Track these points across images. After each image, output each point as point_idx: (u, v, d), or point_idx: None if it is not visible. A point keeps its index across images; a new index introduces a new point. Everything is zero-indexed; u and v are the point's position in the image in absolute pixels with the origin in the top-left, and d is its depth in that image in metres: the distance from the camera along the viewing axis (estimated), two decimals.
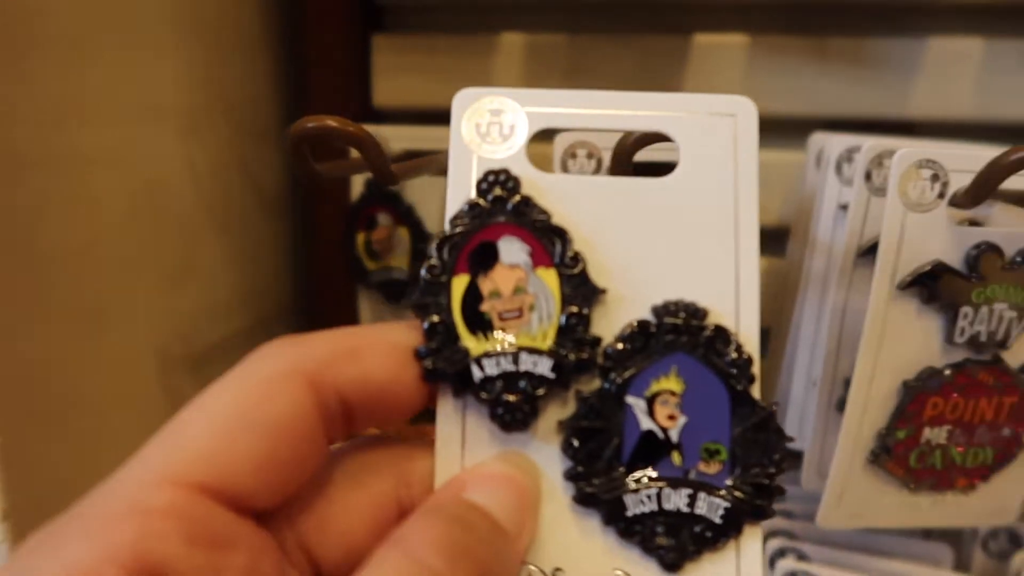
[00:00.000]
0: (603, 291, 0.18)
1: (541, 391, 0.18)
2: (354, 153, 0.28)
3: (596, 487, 0.18)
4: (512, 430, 0.18)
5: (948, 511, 0.29)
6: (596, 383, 0.18)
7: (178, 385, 0.30)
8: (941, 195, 0.25)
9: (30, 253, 0.24)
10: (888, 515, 0.29)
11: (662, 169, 0.31)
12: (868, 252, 0.30)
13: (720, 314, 0.19)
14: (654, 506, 0.18)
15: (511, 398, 0.18)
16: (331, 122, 0.25)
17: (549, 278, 0.18)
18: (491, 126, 0.19)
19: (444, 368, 0.18)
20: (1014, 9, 0.36)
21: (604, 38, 0.39)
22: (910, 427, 0.27)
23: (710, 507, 0.18)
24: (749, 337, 0.19)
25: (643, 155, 0.27)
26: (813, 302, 0.34)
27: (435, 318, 0.18)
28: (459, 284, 0.18)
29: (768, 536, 0.35)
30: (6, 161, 0.23)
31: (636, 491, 0.18)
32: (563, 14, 0.40)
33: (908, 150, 0.25)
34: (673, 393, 0.18)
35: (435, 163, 0.30)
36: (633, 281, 0.19)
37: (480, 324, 0.18)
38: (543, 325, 0.18)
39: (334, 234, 0.38)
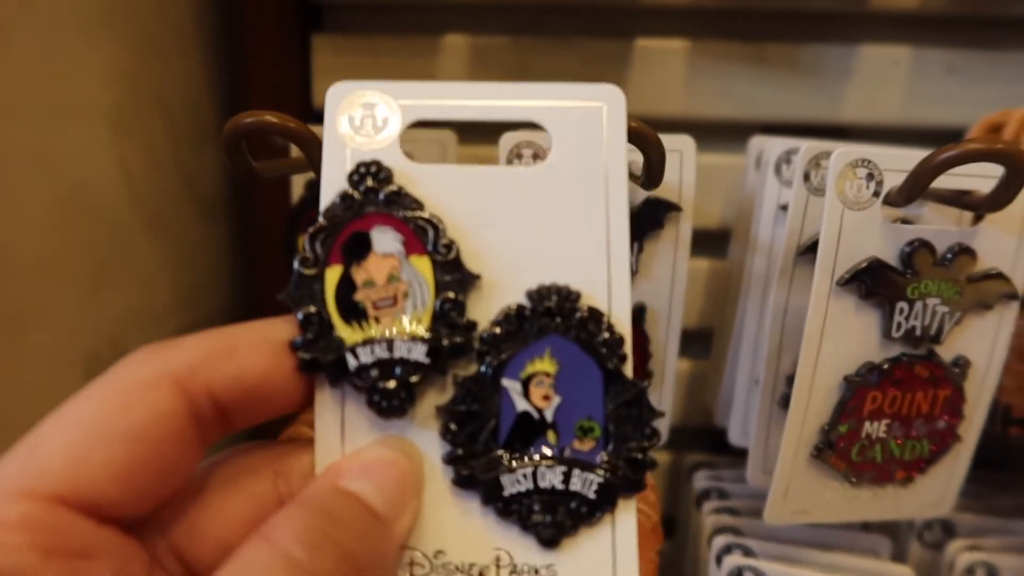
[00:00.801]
0: (477, 277, 0.19)
1: (416, 377, 0.18)
2: (294, 152, 0.27)
3: (474, 469, 0.19)
4: (390, 416, 0.19)
5: (888, 504, 0.30)
6: (473, 367, 0.19)
7: None
8: (876, 193, 0.26)
9: None
10: (832, 510, 0.30)
11: None
12: (808, 251, 0.30)
13: (592, 297, 0.19)
14: (530, 485, 0.19)
15: (387, 385, 0.18)
16: (270, 117, 0.25)
17: (423, 266, 0.19)
18: (364, 119, 0.19)
19: (319, 358, 0.18)
20: (940, 19, 0.38)
21: (547, 41, 0.39)
22: (851, 421, 0.28)
23: (584, 483, 0.19)
24: (621, 318, 0.19)
25: None
26: (755, 302, 0.35)
27: (309, 309, 0.18)
28: (332, 275, 0.19)
29: (714, 534, 0.35)
30: None
31: (512, 471, 0.19)
32: (506, 16, 0.39)
33: (844, 150, 0.26)
34: (547, 374, 0.19)
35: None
36: (507, 267, 0.19)
37: (355, 313, 0.19)
38: (418, 312, 0.19)
39: (274, 236, 0.36)
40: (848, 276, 0.26)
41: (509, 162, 0.31)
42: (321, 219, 0.19)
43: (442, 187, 0.19)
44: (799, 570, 0.31)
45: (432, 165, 0.19)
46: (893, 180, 0.26)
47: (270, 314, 0.19)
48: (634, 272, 0.32)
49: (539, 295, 0.19)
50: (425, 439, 0.19)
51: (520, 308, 0.19)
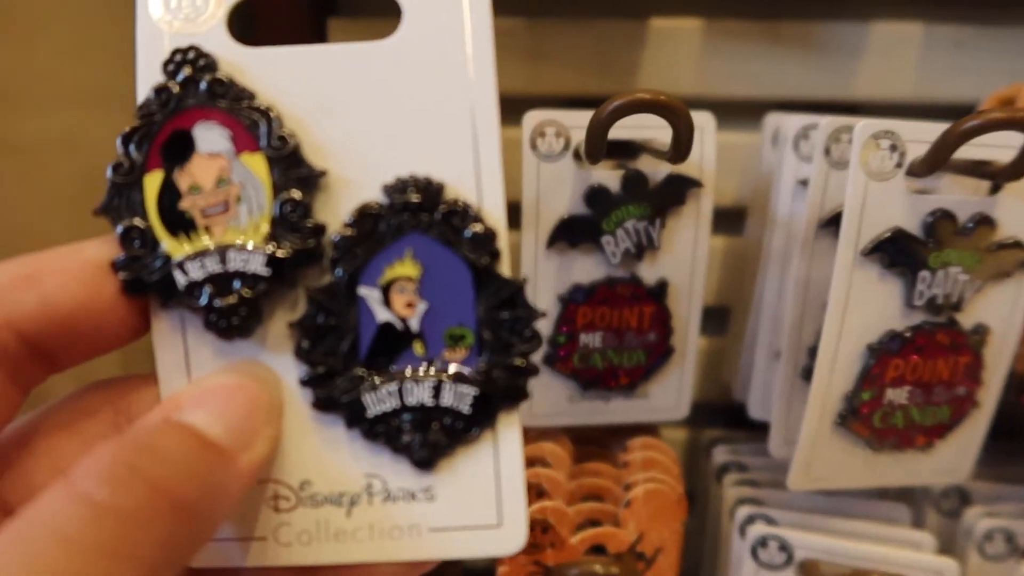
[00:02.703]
0: (322, 173, 0.17)
1: (254, 291, 0.16)
2: None
3: (333, 390, 0.17)
4: (232, 338, 0.16)
5: (908, 469, 0.31)
6: (326, 277, 0.17)
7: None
8: (899, 164, 0.27)
9: None
10: (853, 476, 0.30)
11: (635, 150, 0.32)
12: (828, 224, 0.31)
13: (458, 188, 0.17)
14: (396, 403, 0.17)
15: (224, 302, 0.16)
16: None
17: (256, 164, 0.16)
18: (181, 1, 0.17)
19: (144, 278, 0.16)
20: None
21: (562, 22, 0.39)
22: (874, 388, 0.29)
23: (457, 397, 0.17)
24: (492, 211, 0.17)
25: (616, 133, 0.27)
26: (774, 276, 0.35)
27: (129, 222, 0.16)
28: (153, 182, 0.16)
29: (736, 505, 0.35)
30: None
31: (376, 389, 0.17)
32: None
33: (869, 122, 0.26)
34: (410, 279, 0.17)
35: None
36: (359, 160, 0.17)
37: (181, 224, 0.16)
38: (254, 217, 0.16)
39: None
40: (872, 246, 0.27)
41: (533, 142, 0.31)
42: (136, 118, 0.17)
43: (278, 72, 0.17)
44: (823, 536, 0.32)
45: (265, 48, 0.17)
46: (915, 151, 0.27)
47: None
48: (656, 247, 0.33)
49: (396, 189, 0.17)
50: (280, 362, 0.17)
51: (375, 205, 0.17)
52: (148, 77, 0.17)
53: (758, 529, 0.33)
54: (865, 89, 0.39)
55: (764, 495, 0.36)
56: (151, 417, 0.15)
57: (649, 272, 0.33)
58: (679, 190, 0.32)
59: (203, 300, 0.16)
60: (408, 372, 0.17)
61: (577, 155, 0.32)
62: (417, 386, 0.17)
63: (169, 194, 0.17)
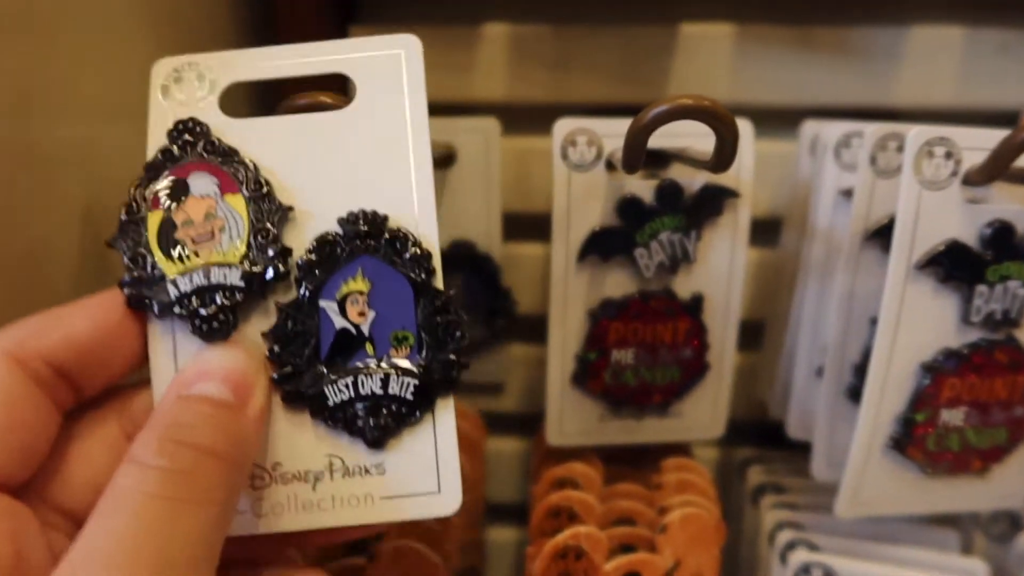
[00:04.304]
0: (289, 208, 0.21)
1: (229, 300, 0.20)
2: None
3: (299, 385, 0.20)
4: (214, 340, 0.20)
5: (963, 495, 0.29)
6: (292, 293, 0.21)
7: None
8: (954, 173, 0.25)
9: None
10: (904, 502, 0.29)
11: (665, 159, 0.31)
12: (874, 235, 0.29)
13: (399, 219, 0.21)
14: (351, 393, 0.20)
15: (208, 310, 0.20)
16: (324, 98, 0.24)
17: (237, 203, 0.21)
18: (184, 87, 0.22)
19: (144, 292, 0.20)
20: None
21: (590, 29, 0.38)
22: (928, 410, 0.27)
23: (402, 386, 0.20)
24: (428, 236, 0.21)
25: (656, 142, 0.26)
26: (814, 290, 0.34)
27: (134, 250, 0.20)
28: (155, 219, 0.20)
29: (775, 529, 0.34)
30: None
31: (335, 382, 0.20)
32: (547, 4, 0.39)
33: (922, 128, 0.25)
34: (361, 292, 0.21)
35: None
36: (319, 200, 0.21)
37: (176, 250, 0.20)
38: (234, 243, 0.20)
39: None
40: (926, 259, 0.26)
41: (563, 152, 0.30)
42: (144, 171, 0.21)
43: (257, 137, 0.21)
44: (870, 564, 0.30)
45: (248, 119, 0.21)
46: (970, 159, 0.25)
47: None
48: (692, 260, 0.31)
49: (349, 220, 0.21)
50: None
51: (332, 235, 0.21)
52: (156, 142, 0.21)
53: (801, 556, 0.31)
54: (904, 95, 0.38)
55: (805, 519, 0.34)
56: (166, 398, 0.19)
57: (684, 286, 0.32)
58: (716, 201, 0.31)
59: (191, 308, 0.20)
60: (361, 367, 0.21)
61: (609, 164, 0.30)
62: (369, 379, 0.20)
63: (167, 227, 0.20)
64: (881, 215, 0.29)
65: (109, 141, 0.28)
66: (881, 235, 0.29)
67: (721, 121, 0.23)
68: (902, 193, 0.25)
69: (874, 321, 0.30)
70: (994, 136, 0.25)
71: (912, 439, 0.27)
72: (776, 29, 0.38)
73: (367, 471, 0.20)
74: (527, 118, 0.39)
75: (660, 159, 0.31)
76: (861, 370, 0.30)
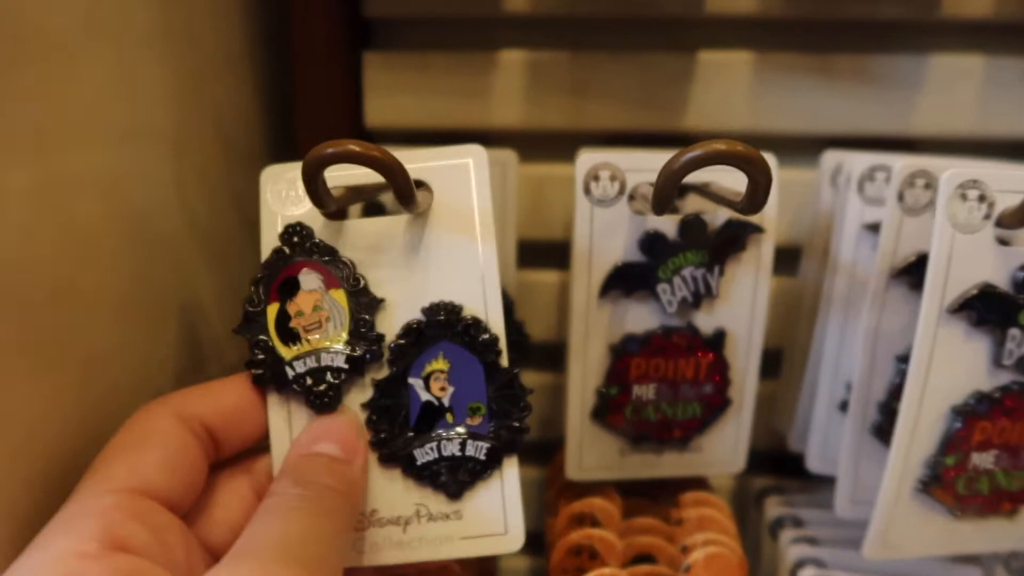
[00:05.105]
0: (382, 300, 0.25)
1: (336, 378, 0.24)
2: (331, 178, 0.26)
3: (393, 448, 0.25)
4: (323, 412, 0.24)
5: (991, 536, 0.29)
6: (385, 371, 0.25)
7: None
8: (987, 216, 0.25)
9: (13, 294, 0.21)
10: (932, 543, 0.29)
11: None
12: (901, 272, 0.29)
13: (472, 308, 0.25)
14: (436, 455, 0.25)
15: (319, 387, 0.24)
16: (353, 147, 0.23)
17: (340, 296, 0.25)
18: (289, 192, 0.25)
19: (267, 372, 0.24)
20: (1013, 27, 0.37)
21: (608, 55, 0.37)
22: (959, 453, 0.27)
23: (476, 449, 0.25)
24: (495, 323, 0.25)
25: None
26: (836, 323, 0.34)
27: (257, 337, 0.24)
28: (272, 311, 0.25)
29: (796, 567, 0.34)
30: None
31: (422, 446, 0.25)
32: (565, 30, 0.38)
33: (956, 171, 0.25)
34: (442, 371, 0.25)
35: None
36: (406, 292, 0.25)
37: (291, 337, 0.24)
38: (338, 331, 0.25)
39: None
40: (959, 303, 0.25)
41: (586, 187, 0.30)
42: (260, 270, 0.25)
43: (353, 236, 0.25)
44: None
45: (343, 222, 0.25)
46: (1003, 201, 0.25)
47: None
48: (714, 296, 0.31)
49: (431, 310, 0.25)
50: None
51: (418, 322, 0.25)
52: (268, 241, 0.25)
53: None
54: (924, 124, 0.37)
55: (827, 555, 0.34)
56: (291, 455, 0.24)
57: (706, 321, 0.31)
58: (739, 236, 0.31)
59: (305, 386, 0.24)
60: (443, 433, 0.25)
61: (632, 198, 0.30)
62: (449, 443, 0.25)
63: (283, 318, 0.25)
64: (908, 252, 0.29)
65: (130, 167, 0.27)
66: (908, 273, 0.29)
67: (756, 166, 0.23)
68: (935, 236, 0.25)
69: (900, 359, 0.30)
70: None
71: (942, 482, 0.27)
72: (795, 57, 0.37)
73: (447, 517, 0.25)
74: (544, 145, 0.39)
75: (681, 191, 0.31)
76: (886, 408, 0.30)
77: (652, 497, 0.36)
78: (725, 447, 0.34)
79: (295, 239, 0.25)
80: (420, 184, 0.26)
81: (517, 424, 0.25)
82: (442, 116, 0.39)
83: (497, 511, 0.25)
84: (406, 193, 0.24)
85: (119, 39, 0.26)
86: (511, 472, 0.25)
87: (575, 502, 0.34)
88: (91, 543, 0.19)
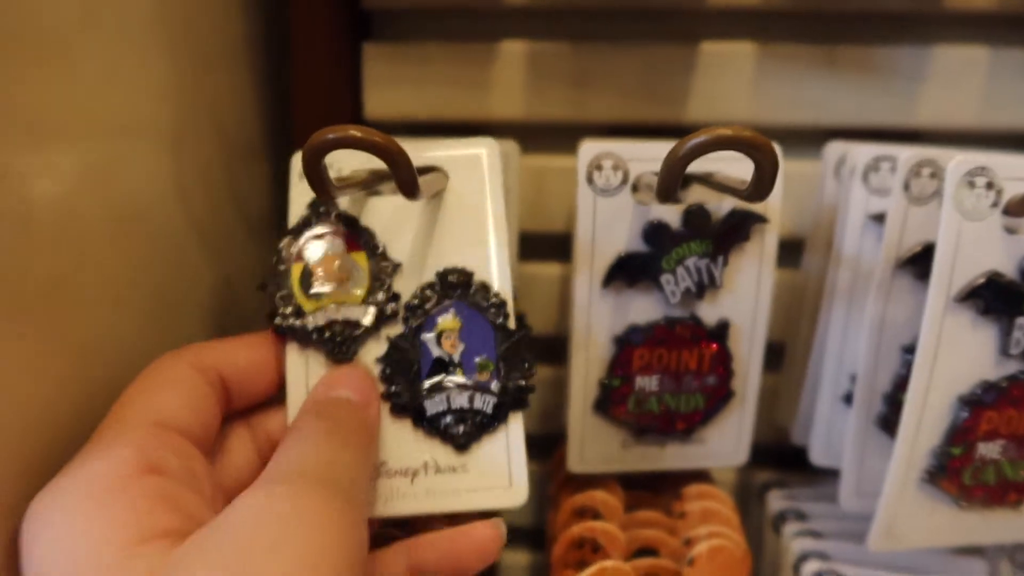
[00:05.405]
0: (399, 264, 0.27)
1: (353, 332, 0.26)
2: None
3: (404, 400, 0.26)
4: (341, 362, 0.26)
5: (997, 527, 0.28)
6: (400, 328, 0.26)
7: None
8: (995, 204, 0.25)
9: (11, 287, 0.21)
10: (938, 535, 0.28)
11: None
12: (908, 263, 0.29)
13: (481, 275, 0.27)
14: (445, 406, 0.26)
15: (337, 338, 0.26)
16: (355, 132, 0.23)
17: (360, 259, 0.27)
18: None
19: (290, 323, 0.26)
20: (1017, 19, 0.37)
21: (609, 46, 0.37)
22: (965, 443, 0.26)
23: (484, 403, 0.26)
24: (502, 288, 0.27)
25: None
26: (839, 316, 0.33)
27: (282, 292, 0.26)
28: (297, 269, 0.27)
29: (800, 560, 0.33)
30: None
31: (432, 397, 0.26)
32: (566, 21, 0.38)
33: (963, 158, 0.25)
34: (453, 329, 0.26)
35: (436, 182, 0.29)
36: (422, 258, 0.27)
37: (313, 293, 0.26)
38: (357, 289, 0.26)
39: None
40: (967, 292, 0.25)
41: (589, 176, 0.30)
42: (289, 233, 0.27)
43: (376, 211, 0.27)
44: None
45: (373, 200, 0.27)
46: (1011, 189, 0.25)
47: None
48: (718, 286, 0.31)
49: (444, 274, 0.27)
50: None
51: (431, 284, 0.27)
52: (297, 211, 0.27)
53: None
54: (928, 116, 0.37)
55: (830, 548, 0.33)
56: (314, 394, 0.25)
57: (710, 312, 0.31)
58: (743, 226, 0.30)
59: (324, 337, 0.26)
60: (452, 386, 0.26)
61: (635, 189, 0.30)
62: (458, 395, 0.26)
63: (306, 276, 0.26)
64: (913, 242, 0.29)
65: (128, 161, 0.27)
66: (913, 263, 0.29)
67: (762, 152, 0.22)
68: (942, 224, 0.25)
69: (905, 349, 0.30)
70: None
71: (948, 472, 0.27)
72: (798, 48, 0.37)
73: (454, 470, 0.26)
74: (545, 136, 0.39)
75: (684, 181, 0.31)
76: (892, 399, 0.30)
77: (654, 490, 0.36)
78: (728, 439, 0.33)
79: (321, 209, 0.27)
80: (431, 170, 0.27)
81: (523, 382, 0.26)
82: (443, 108, 0.39)
83: (502, 465, 0.26)
84: (408, 179, 0.24)
85: (116, 32, 0.26)
86: (516, 427, 0.26)
87: (577, 495, 0.33)
88: (127, 466, 0.20)
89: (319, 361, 0.26)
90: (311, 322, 0.26)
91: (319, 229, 0.27)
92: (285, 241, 0.27)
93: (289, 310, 0.26)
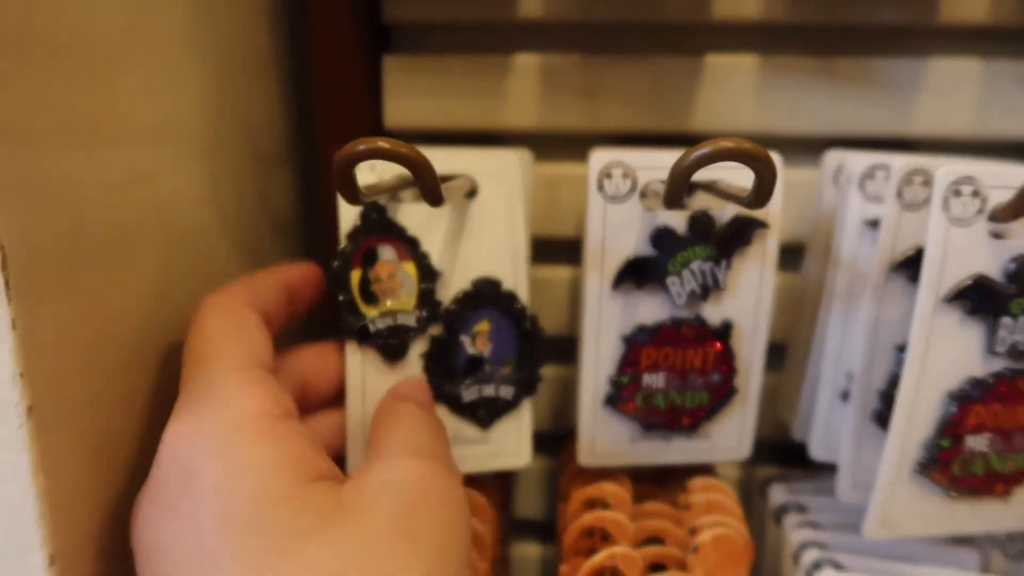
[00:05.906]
0: (440, 273, 0.31)
1: (406, 335, 0.31)
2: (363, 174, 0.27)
3: (444, 390, 0.31)
4: (394, 361, 0.31)
5: (986, 517, 0.30)
6: (440, 329, 0.31)
7: None
8: (980, 211, 0.26)
9: (65, 285, 0.23)
10: (929, 524, 0.30)
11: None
12: (901, 266, 0.30)
13: (508, 283, 0.31)
14: (478, 395, 0.32)
15: (392, 341, 0.31)
16: (383, 144, 0.25)
17: (410, 268, 0.31)
18: (363, 175, 0.29)
19: (351, 327, 0.30)
20: (1009, 32, 0.38)
21: (618, 59, 0.39)
22: (954, 436, 0.28)
23: (506, 391, 0.32)
24: (522, 296, 0.32)
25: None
26: (838, 317, 0.35)
27: (344, 296, 0.30)
28: (355, 275, 0.30)
29: (800, 549, 0.35)
30: (37, 186, 0.22)
31: (468, 388, 0.32)
32: (577, 35, 0.40)
33: (950, 168, 0.26)
34: (485, 331, 0.31)
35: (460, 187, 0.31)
36: (458, 266, 0.31)
37: (371, 298, 0.30)
38: (409, 296, 0.31)
39: None
40: (954, 293, 0.27)
41: (599, 184, 0.31)
42: (344, 242, 0.30)
43: (417, 218, 0.31)
44: None
45: (410, 205, 0.31)
46: (996, 197, 0.26)
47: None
48: (721, 288, 0.32)
49: (478, 283, 0.31)
50: (414, 376, 0.32)
51: (468, 292, 0.31)
52: (347, 219, 0.30)
53: (827, 575, 0.32)
54: (923, 125, 0.39)
55: (829, 539, 0.35)
56: (384, 401, 0.29)
57: (714, 313, 0.33)
58: (745, 231, 0.32)
59: (382, 339, 0.31)
60: (482, 379, 0.32)
61: (643, 196, 0.32)
62: (487, 386, 0.32)
63: (364, 282, 0.30)
64: (907, 246, 0.30)
65: (167, 166, 0.29)
66: (906, 266, 0.30)
67: (761, 163, 0.24)
68: (931, 230, 0.26)
69: (899, 348, 0.31)
70: (1019, 174, 0.26)
71: (938, 464, 0.28)
72: (799, 60, 0.39)
73: (477, 442, 0.32)
74: (557, 145, 0.41)
75: (689, 189, 0.32)
76: (887, 396, 0.31)
77: (661, 483, 0.38)
78: (731, 434, 0.35)
79: (373, 216, 0.30)
80: (453, 176, 0.30)
81: (536, 376, 0.32)
82: (459, 117, 0.40)
83: (514, 438, 0.33)
84: (432, 187, 0.26)
85: (156, 45, 0.28)
86: (527, 408, 0.33)
87: (587, 487, 0.35)
88: (273, 406, 0.22)
89: (374, 358, 0.31)
90: (372, 327, 0.30)
91: (373, 236, 0.30)
92: (343, 248, 0.30)
93: (352, 315, 0.30)
